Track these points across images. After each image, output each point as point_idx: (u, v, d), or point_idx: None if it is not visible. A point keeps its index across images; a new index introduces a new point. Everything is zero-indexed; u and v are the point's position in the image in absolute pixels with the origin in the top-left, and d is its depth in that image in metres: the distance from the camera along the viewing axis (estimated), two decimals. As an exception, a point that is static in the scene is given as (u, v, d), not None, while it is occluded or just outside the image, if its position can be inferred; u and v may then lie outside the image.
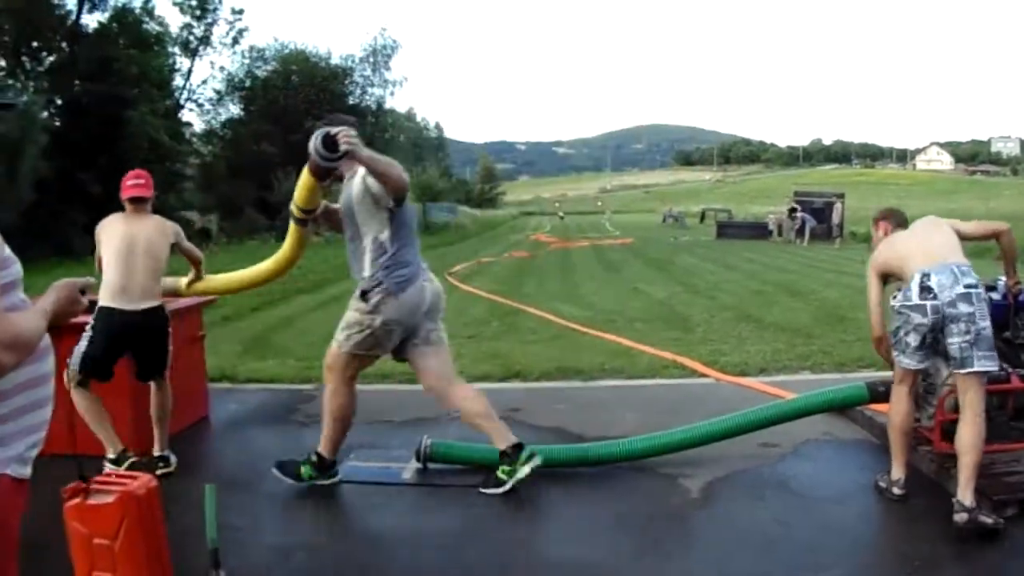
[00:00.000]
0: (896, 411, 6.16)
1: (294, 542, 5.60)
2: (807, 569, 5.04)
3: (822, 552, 5.29)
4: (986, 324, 5.53)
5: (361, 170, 6.21)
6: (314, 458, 6.46)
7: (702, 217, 75.24)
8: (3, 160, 34.22)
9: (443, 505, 6.18)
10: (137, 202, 6.92)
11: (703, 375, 10.18)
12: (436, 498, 6.33)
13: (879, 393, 6.80)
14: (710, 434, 6.78)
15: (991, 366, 5.54)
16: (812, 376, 10.11)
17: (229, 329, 13.93)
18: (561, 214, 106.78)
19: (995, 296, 6.79)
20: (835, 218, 47.35)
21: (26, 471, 2.91)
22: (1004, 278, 6.94)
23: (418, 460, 6.70)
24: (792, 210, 48.51)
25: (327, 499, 6.37)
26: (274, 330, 14.43)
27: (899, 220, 6.52)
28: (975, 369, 5.51)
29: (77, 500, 4.34)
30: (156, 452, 6.91)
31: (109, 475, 4.59)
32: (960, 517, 5.30)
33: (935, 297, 5.62)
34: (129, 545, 4.31)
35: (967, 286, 5.56)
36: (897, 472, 6.11)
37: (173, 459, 6.93)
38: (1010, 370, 6.69)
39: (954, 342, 5.59)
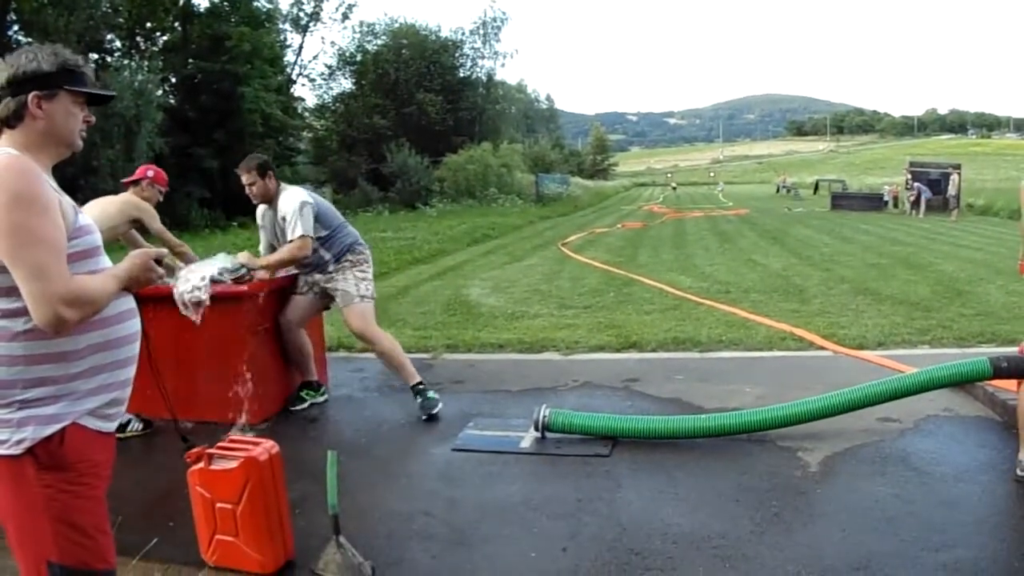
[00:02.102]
0: (1020, 396, 6.02)
1: (412, 508, 5.62)
2: (930, 548, 4.94)
3: (945, 531, 5.18)
4: None
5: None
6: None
7: (816, 188, 74.50)
8: (120, 138, 35.03)
9: (561, 474, 6.16)
10: None
11: (821, 347, 10.06)
12: (554, 467, 6.31)
13: (1002, 369, 6.66)
14: (833, 406, 6.69)
15: None
16: (931, 351, 9.92)
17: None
18: (674, 184, 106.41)
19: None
20: (951, 189, 46.41)
21: (106, 425, 3.14)
22: None
23: (536, 429, 6.70)
24: (907, 181, 47.82)
25: (444, 466, 6.44)
26: (390, 300, 14.55)
27: None
28: None
29: (201, 465, 4.43)
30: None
31: (232, 440, 4.66)
32: None
33: None
34: (251, 510, 4.39)
35: None
36: (1021, 453, 5.96)
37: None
38: None
39: None
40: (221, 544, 4.55)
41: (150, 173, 7.66)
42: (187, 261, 7.16)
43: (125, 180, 7.76)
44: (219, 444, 4.56)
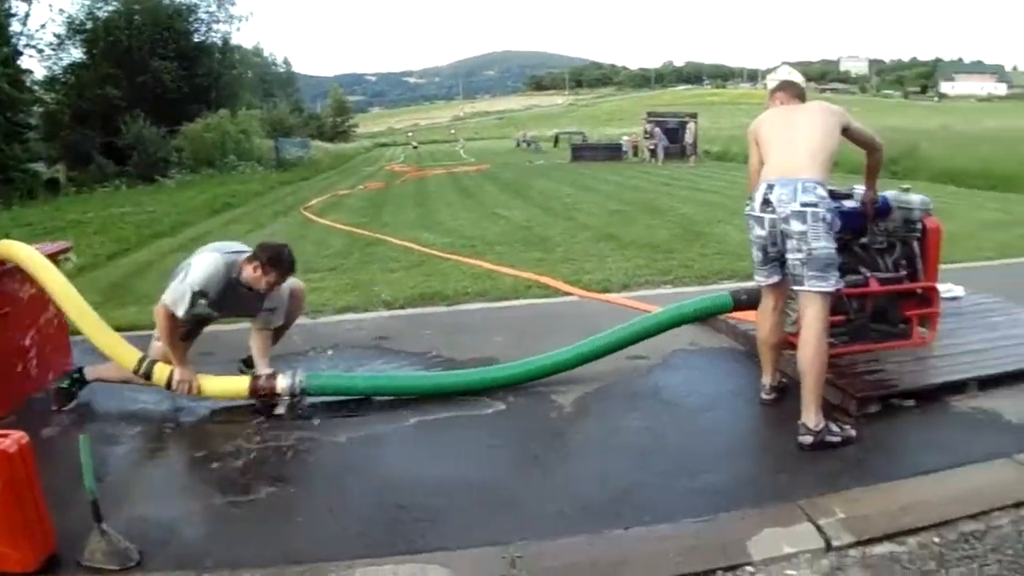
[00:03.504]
0: (758, 326, 6.32)
1: (178, 487, 5.50)
2: (682, 475, 5.13)
3: (695, 458, 5.39)
4: (820, 244, 5.44)
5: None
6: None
7: (556, 141, 75.52)
8: None
9: (321, 437, 6.06)
10: None
11: (567, 294, 10.26)
12: (313, 430, 6.19)
13: (742, 301, 6.92)
14: (584, 355, 6.83)
15: (821, 286, 5.46)
16: (674, 290, 10.25)
17: (86, 279, 13.49)
18: (415, 144, 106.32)
19: (850, 204, 6.89)
20: (688, 137, 48.00)
21: None
22: (860, 187, 7.04)
23: (290, 394, 6.50)
24: (647, 131, 49.03)
25: (203, 440, 6.21)
26: (134, 276, 13.97)
27: (796, 91, 6.41)
28: (805, 288, 5.51)
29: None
30: None
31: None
32: (804, 439, 5.43)
33: (773, 211, 5.60)
34: (2, 505, 4.16)
35: (804, 204, 5.46)
36: (764, 378, 6.28)
37: None
38: (868, 274, 6.84)
39: (789, 259, 5.59)
40: (-26, 545, 4.28)
41: None
42: None
43: None
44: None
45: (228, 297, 6.36)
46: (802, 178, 5.57)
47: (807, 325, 5.52)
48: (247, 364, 7.01)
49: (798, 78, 63.14)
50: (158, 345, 6.53)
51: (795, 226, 5.46)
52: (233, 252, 6.39)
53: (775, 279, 5.93)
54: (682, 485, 4.99)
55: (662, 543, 4.35)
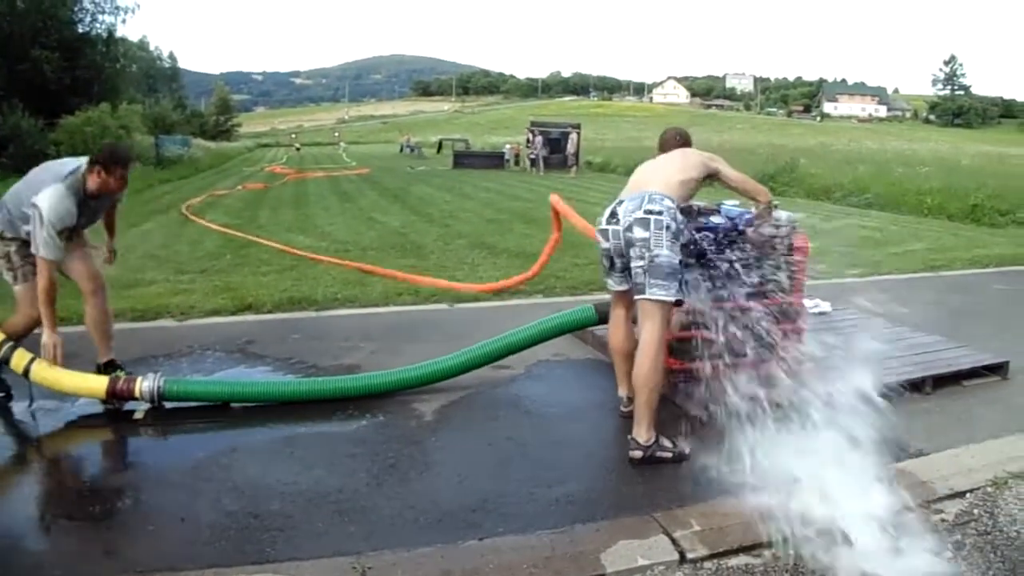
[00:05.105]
0: (611, 334, 6.35)
1: (27, 492, 5.39)
2: (542, 484, 5.15)
3: (557, 467, 5.42)
4: (663, 252, 5.44)
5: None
6: None
7: (439, 147, 75.60)
8: None
9: (176, 443, 6.02)
10: None
11: (437, 301, 10.29)
12: (168, 437, 6.13)
13: (606, 314, 6.92)
14: (449, 369, 6.82)
15: (662, 295, 5.47)
16: (545, 300, 10.31)
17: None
18: (297, 145, 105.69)
19: (716, 219, 6.94)
20: (570, 148, 48.23)
21: None
22: (730, 202, 7.11)
23: (149, 399, 6.35)
24: (528, 140, 49.28)
25: (55, 441, 6.14)
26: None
27: (662, 146, 6.52)
28: (645, 296, 5.52)
29: None
30: None
31: None
32: (634, 454, 5.48)
33: (618, 223, 5.66)
34: None
35: (647, 212, 5.50)
36: (621, 390, 6.34)
37: None
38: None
39: (632, 267, 5.60)
40: None
41: None
42: None
43: None
44: None
45: (86, 212, 6.49)
46: (650, 191, 5.63)
47: (643, 340, 5.55)
48: (106, 370, 6.90)
49: (683, 93, 63.96)
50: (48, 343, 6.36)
51: (638, 233, 5.49)
52: (69, 173, 6.38)
53: (625, 286, 5.95)
54: (540, 495, 4.99)
55: (516, 554, 4.34)
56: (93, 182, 6.35)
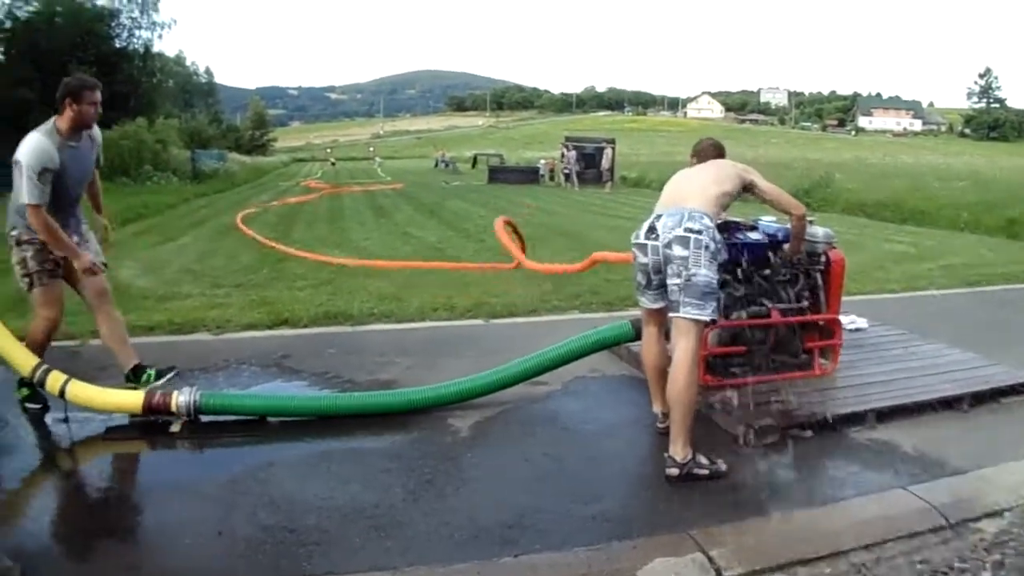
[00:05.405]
0: (644, 351, 6.36)
1: (63, 503, 5.39)
2: (578, 500, 5.12)
3: (592, 484, 5.40)
4: (701, 272, 5.43)
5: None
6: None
7: (474, 162, 75.73)
8: None
9: (213, 457, 6.03)
10: None
11: (472, 317, 10.26)
12: (205, 450, 6.14)
13: (639, 330, 6.91)
14: (487, 386, 6.80)
15: (696, 314, 5.46)
16: (581, 315, 10.26)
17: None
18: (333, 160, 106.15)
19: (754, 236, 6.93)
20: (605, 163, 48.24)
21: None
22: (767, 218, 7.11)
23: (186, 413, 6.35)
24: (563, 155, 49.25)
25: (94, 455, 6.19)
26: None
27: (697, 155, 6.55)
28: (679, 314, 5.50)
29: None
30: None
31: None
32: (671, 471, 5.43)
33: (657, 238, 5.65)
34: None
35: (687, 230, 5.48)
36: (655, 407, 6.31)
37: None
38: (771, 305, 6.87)
39: (669, 284, 5.59)
40: None
41: None
42: None
43: None
44: None
45: (68, 161, 6.47)
46: (689, 207, 5.64)
47: (678, 357, 5.51)
48: (135, 375, 6.94)
49: (717, 108, 63.91)
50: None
51: (677, 251, 5.48)
52: (44, 125, 6.47)
53: (659, 304, 5.93)
54: (576, 512, 4.97)
55: (552, 571, 4.33)
56: (67, 119, 6.42)
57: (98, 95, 6.60)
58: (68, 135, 6.46)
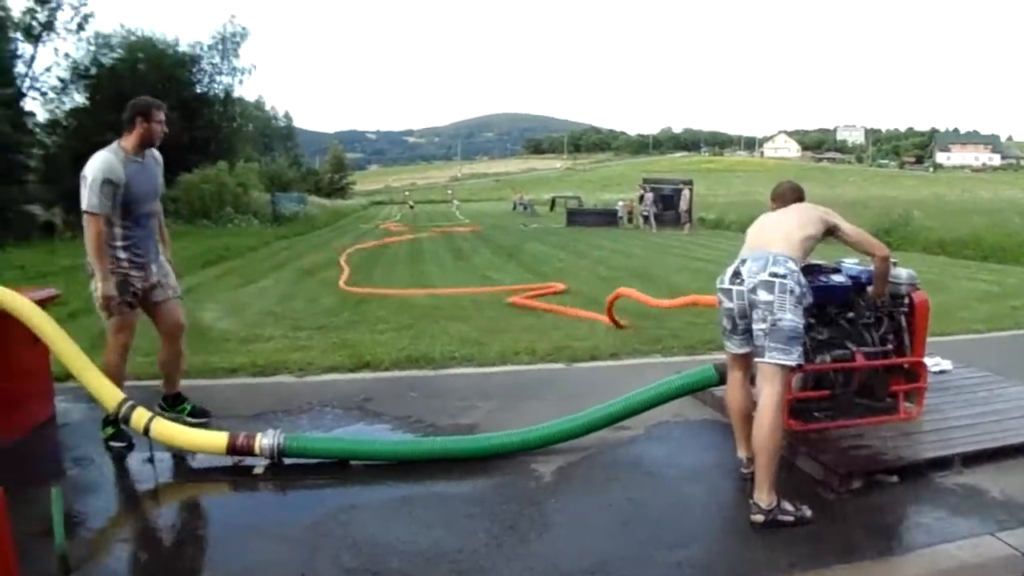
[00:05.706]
0: (729, 396, 6.31)
1: (146, 542, 5.41)
2: (663, 547, 5.07)
3: (677, 530, 5.34)
4: (786, 316, 5.41)
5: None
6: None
7: (552, 204, 75.90)
8: None
9: (296, 499, 6.05)
10: None
11: (553, 360, 10.21)
12: (288, 492, 6.16)
13: (726, 374, 6.87)
14: (572, 431, 6.77)
15: (782, 359, 5.43)
16: (663, 359, 10.20)
17: (75, 325, 13.48)
18: (411, 203, 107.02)
19: (837, 278, 6.88)
20: (683, 204, 48.11)
21: None
22: (849, 261, 7.08)
23: (269, 455, 6.41)
24: (641, 197, 49.19)
25: (177, 494, 6.22)
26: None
27: (777, 199, 6.51)
28: (765, 359, 5.49)
29: None
30: None
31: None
32: (756, 518, 5.37)
33: (742, 283, 5.64)
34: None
35: (772, 274, 5.47)
36: (740, 452, 6.26)
37: None
38: (855, 348, 6.82)
39: (754, 328, 5.58)
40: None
41: None
42: None
43: None
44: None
45: (133, 176, 6.77)
46: (774, 251, 5.62)
47: (763, 403, 5.48)
48: (173, 402, 7.14)
49: (793, 147, 63.62)
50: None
51: (762, 296, 5.47)
52: (109, 146, 6.81)
53: (745, 349, 5.92)
54: (660, 558, 4.92)
55: (637, 618, 4.30)
56: (135, 136, 6.84)
57: (163, 115, 7.01)
58: (133, 152, 6.81)
